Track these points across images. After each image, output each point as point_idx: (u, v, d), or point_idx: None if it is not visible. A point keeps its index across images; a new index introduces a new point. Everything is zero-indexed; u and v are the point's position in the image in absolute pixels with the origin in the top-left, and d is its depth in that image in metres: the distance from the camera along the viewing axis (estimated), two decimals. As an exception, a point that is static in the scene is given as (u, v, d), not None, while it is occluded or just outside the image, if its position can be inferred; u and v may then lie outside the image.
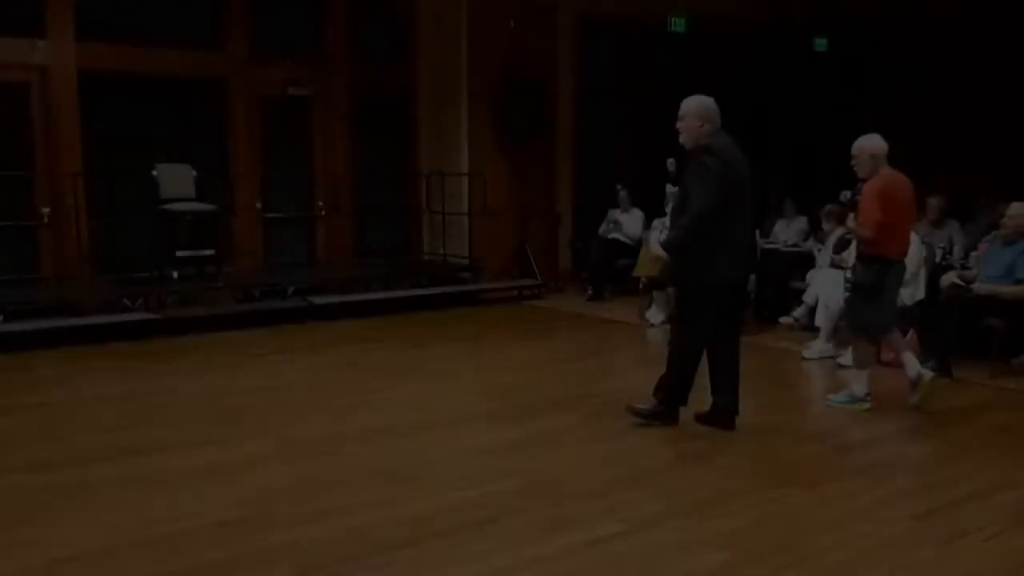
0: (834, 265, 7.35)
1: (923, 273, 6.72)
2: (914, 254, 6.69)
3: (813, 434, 5.03)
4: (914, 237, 6.84)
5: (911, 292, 6.66)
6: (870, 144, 5.35)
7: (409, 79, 10.47)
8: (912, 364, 5.45)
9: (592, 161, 11.53)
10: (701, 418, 5.00)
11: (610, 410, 5.39)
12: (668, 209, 5.95)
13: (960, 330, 6.28)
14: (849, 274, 5.76)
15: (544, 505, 3.88)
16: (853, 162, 5.42)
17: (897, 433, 5.13)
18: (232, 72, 9.24)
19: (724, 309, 4.83)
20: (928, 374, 5.44)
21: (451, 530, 3.61)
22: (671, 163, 5.46)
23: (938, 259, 7.13)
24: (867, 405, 5.43)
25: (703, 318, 4.79)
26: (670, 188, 5.45)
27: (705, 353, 4.91)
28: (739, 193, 4.71)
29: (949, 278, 6.38)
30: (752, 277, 6.95)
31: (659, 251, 5.09)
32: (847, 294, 5.72)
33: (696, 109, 4.81)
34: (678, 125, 4.86)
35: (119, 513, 3.79)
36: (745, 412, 5.53)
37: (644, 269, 5.07)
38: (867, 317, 5.43)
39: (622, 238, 9.97)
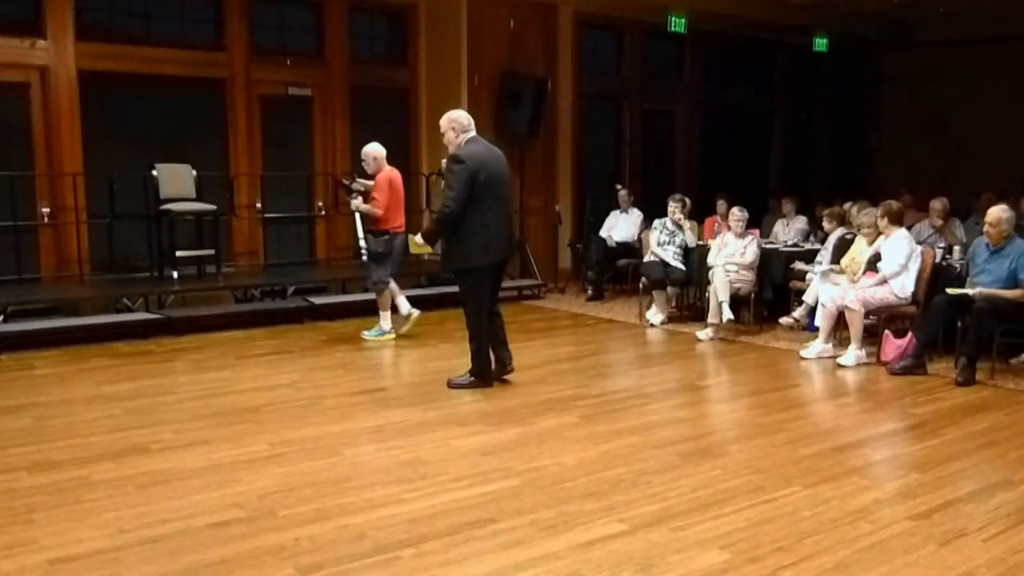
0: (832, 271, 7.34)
1: (914, 268, 6.74)
2: (905, 248, 6.73)
3: (813, 434, 5.03)
4: (906, 232, 6.90)
5: (901, 283, 6.69)
6: (374, 150, 7.26)
7: (409, 79, 10.47)
8: (404, 304, 7.49)
9: (592, 161, 11.53)
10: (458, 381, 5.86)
11: (609, 410, 5.42)
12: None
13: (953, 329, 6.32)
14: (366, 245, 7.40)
15: (544, 505, 3.88)
16: (363, 162, 7.30)
17: (897, 433, 5.13)
18: (232, 72, 9.24)
19: (488, 286, 5.75)
20: (416, 313, 7.46)
21: (451, 530, 3.61)
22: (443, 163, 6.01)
23: (938, 259, 7.12)
24: (392, 336, 7.43)
25: (476, 295, 5.71)
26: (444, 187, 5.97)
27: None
28: (488, 190, 5.52)
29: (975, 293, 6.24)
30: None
31: (422, 245, 5.97)
32: (366, 259, 7.41)
33: (447, 123, 5.73)
34: (443, 139, 5.77)
35: (119, 513, 3.79)
36: (745, 412, 5.59)
37: (416, 249, 6.32)
38: (377, 275, 7.27)
39: (610, 242, 9.95)
